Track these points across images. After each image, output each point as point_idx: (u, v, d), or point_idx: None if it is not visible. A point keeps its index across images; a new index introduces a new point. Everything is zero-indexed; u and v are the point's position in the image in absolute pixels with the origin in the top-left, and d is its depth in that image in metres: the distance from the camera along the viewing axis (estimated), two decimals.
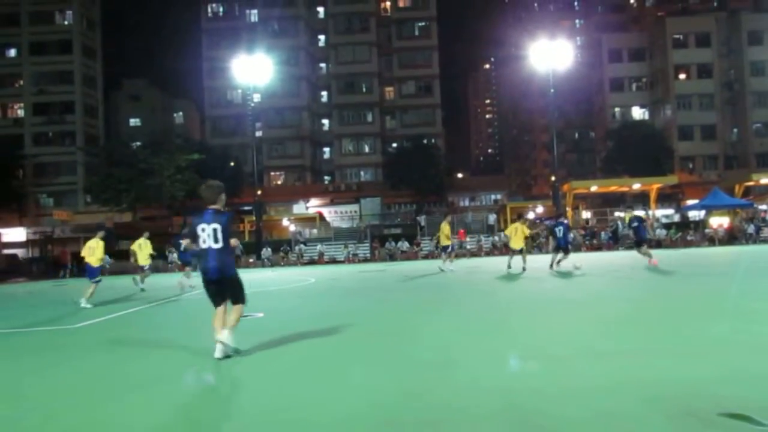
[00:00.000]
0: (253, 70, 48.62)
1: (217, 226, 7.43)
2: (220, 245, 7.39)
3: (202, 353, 7.72)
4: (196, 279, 23.52)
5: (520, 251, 22.25)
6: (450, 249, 26.10)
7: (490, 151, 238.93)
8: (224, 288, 7.56)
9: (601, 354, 6.62)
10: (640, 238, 22.05)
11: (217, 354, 7.33)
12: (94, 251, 16.50)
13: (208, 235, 7.42)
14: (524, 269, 21.27)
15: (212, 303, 7.65)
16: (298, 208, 69.85)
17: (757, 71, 72.38)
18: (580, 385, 5.37)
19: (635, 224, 21.94)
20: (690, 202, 59.40)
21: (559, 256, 21.62)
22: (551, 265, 21.37)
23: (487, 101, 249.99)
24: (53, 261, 50.98)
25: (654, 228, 46.54)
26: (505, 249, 47.00)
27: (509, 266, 21.79)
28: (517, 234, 22.21)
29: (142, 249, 22.04)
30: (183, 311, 14.55)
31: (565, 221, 22.13)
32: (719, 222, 48.66)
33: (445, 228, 25.44)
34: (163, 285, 23.85)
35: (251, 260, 47.07)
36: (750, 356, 6.17)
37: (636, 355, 6.49)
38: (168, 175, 52.72)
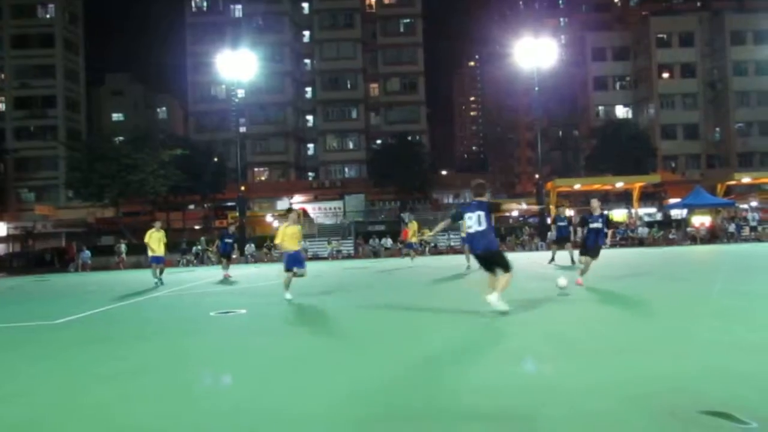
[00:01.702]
0: (237, 66, 48.42)
1: (482, 213, 9.47)
2: (484, 227, 9.43)
3: (182, 349, 7.68)
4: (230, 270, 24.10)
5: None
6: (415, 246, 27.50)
7: (474, 148, 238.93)
8: (491, 260, 9.57)
9: (583, 353, 6.63)
10: (561, 236, 22.80)
11: (497, 307, 9.33)
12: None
13: (474, 221, 9.47)
14: (468, 267, 21.35)
15: (484, 269, 9.81)
16: (282, 205, 69.67)
17: (739, 71, 72.88)
18: (562, 384, 5.38)
19: (562, 223, 22.43)
20: (672, 200, 59.74)
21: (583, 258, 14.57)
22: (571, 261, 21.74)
23: (472, 99, 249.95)
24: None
25: (636, 226, 46.84)
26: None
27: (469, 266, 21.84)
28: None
29: (152, 239, 21.18)
30: (162, 307, 14.45)
31: (605, 213, 14.63)
32: (701, 221, 48.95)
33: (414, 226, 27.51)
34: (165, 280, 23.62)
35: (234, 256, 46.86)
36: (731, 355, 6.21)
37: (619, 353, 6.52)
38: (151, 170, 52.32)
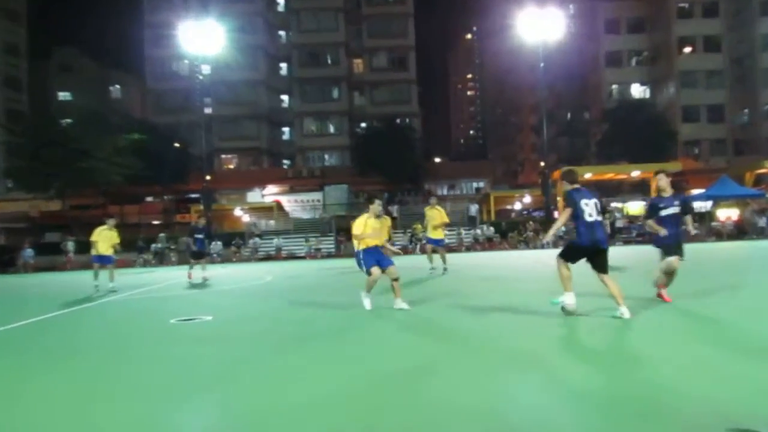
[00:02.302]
0: (202, 39, 48.19)
1: (597, 201, 9.62)
2: (600, 218, 9.52)
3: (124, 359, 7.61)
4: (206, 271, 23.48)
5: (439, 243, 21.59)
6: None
7: (471, 133, 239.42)
8: (604, 256, 9.53)
9: (596, 363, 6.61)
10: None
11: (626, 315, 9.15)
12: None
13: (592, 209, 9.46)
14: (445, 270, 20.94)
15: (569, 258, 9.75)
16: (253, 197, 69.56)
17: None
18: (572, 394, 5.36)
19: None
20: (695, 191, 59.92)
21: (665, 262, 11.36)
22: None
23: (469, 77, 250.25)
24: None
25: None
26: (488, 244, 47.28)
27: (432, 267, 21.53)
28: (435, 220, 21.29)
29: (101, 237, 20.76)
30: (115, 314, 14.35)
31: (682, 194, 12.40)
32: (727, 214, 49.17)
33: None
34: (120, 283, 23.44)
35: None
36: (758, 366, 6.21)
37: (635, 364, 6.51)
38: (104, 157, 52.03)
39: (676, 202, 11.09)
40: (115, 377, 7.05)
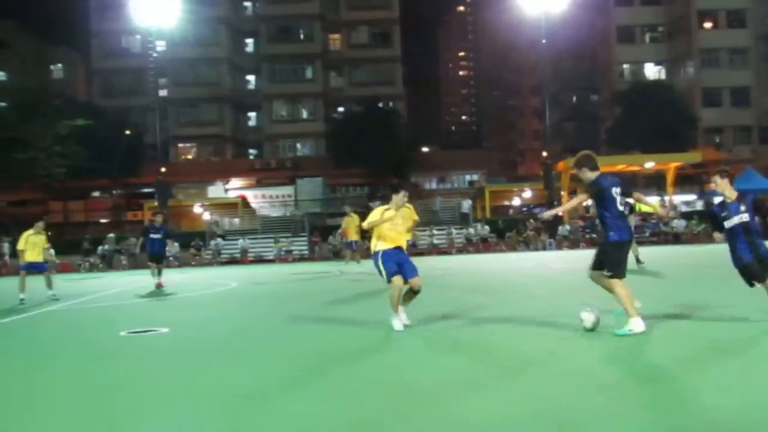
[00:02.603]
0: (155, 10, 48.06)
1: (620, 189, 9.32)
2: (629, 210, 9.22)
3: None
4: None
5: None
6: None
7: (464, 118, 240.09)
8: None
9: (605, 380, 6.69)
10: None
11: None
12: None
13: (622, 198, 9.28)
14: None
15: (622, 273, 9.23)
16: (215, 191, 69.42)
17: None
18: (573, 414, 5.44)
19: None
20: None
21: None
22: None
23: (462, 54, 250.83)
24: None
25: (671, 218, 47.16)
26: (482, 245, 47.35)
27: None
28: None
29: (28, 244, 20.51)
30: (56, 326, 14.33)
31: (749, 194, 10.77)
32: None
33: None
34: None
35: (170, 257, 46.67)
36: None
37: (647, 382, 6.60)
38: (44, 146, 51.88)
39: (743, 208, 9.56)
40: (45, 402, 6.99)
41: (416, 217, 19.18)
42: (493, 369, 7.42)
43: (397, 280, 10.13)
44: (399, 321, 10.22)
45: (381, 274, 10.36)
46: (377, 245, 10.63)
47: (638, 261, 21.11)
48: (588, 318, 9.23)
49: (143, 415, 6.22)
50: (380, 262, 10.35)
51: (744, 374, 6.69)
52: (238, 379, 7.51)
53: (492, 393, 6.35)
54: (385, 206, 10.80)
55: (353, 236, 28.05)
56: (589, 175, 9.37)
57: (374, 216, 10.65)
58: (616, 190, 9.14)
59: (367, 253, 16.88)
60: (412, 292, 10.52)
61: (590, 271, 9.53)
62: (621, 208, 9.12)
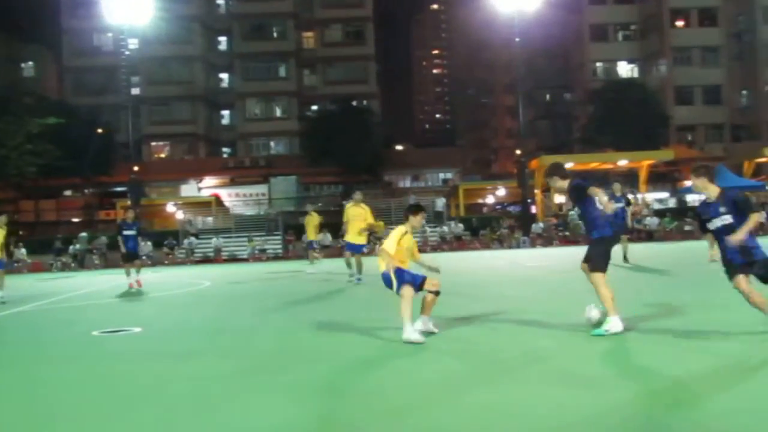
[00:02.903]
0: (128, 8, 47.81)
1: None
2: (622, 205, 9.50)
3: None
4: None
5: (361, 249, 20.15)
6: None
7: (438, 116, 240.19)
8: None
9: (583, 380, 6.71)
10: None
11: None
12: None
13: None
14: (358, 279, 19.50)
15: (604, 267, 9.35)
16: (188, 190, 69.16)
17: None
18: (553, 416, 5.45)
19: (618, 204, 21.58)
20: (688, 183, 60.52)
21: None
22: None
23: (436, 52, 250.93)
24: None
25: (644, 215, 47.40)
26: (457, 243, 47.41)
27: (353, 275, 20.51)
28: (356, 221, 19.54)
29: None
30: (26, 326, 14.22)
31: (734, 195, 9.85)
32: None
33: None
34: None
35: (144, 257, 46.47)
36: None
37: (619, 379, 6.62)
38: (15, 145, 51.48)
39: (723, 209, 8.85)
40: (17, 402, 6.94)
41: (370, 219, 18.80)
42: (472, 369, 7.42)
43: (408, 290, 9.34)
44: (414, 332, 9.14)
45: (391, 286, 9.56)
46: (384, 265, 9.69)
47: (625, 258, 21.07)
48: (593, 315, 9.23)
49: (106, 416, 6.17)
50: (393, 274, 9.53)
51: (728, 371, 6.74)
52: (210, 378, 7.47)
53: (471, 394, 6.35)
54: (404, 228, 10.13)
55: (312, 236, 27.99)
56: (561, 184, 9.67)
57: (393, 245, 9.78)
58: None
59: (335, 252, 16.83)
60: (434, 294, 9.77)
61: (582, 264, 9.62)
62: (599, 206, 9.25)
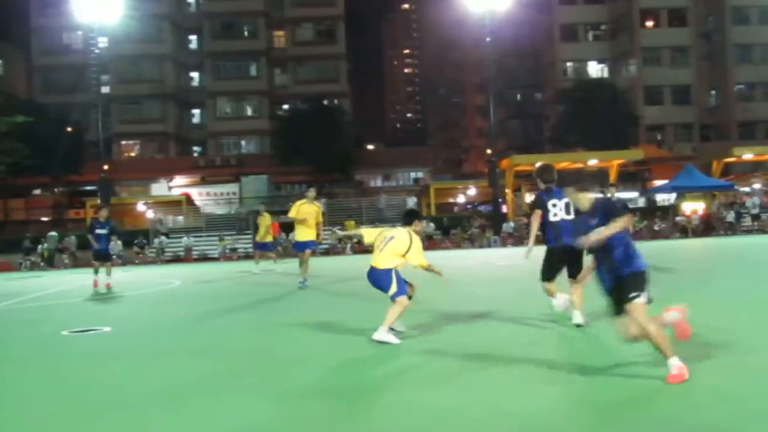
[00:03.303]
0: (98, 6, 47.49)
1: (568, 200, 9.59)
2: (572, 217, 10.01)
3: None
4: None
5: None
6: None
7: (409, 116, 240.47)
8: (573, 257, 9.83)
9: (549, 379, 6.75)
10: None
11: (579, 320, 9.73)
12: None
13: (559, 209, 10.19)
14: (302, 282, 18.55)
15: (547, 275, 10.43)
16: (159, 189, 68.84)
17: (741, 19, 74.82)
18: (523, 412, 5.48)
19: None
20: (658, 182, 60.94)
21: None
22: None
23: (407, 52, 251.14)
24: None
25: None
26: (428, 242, 47.41)
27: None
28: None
29: None
30: None
31: None
32: (693, 207, 49.98)
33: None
34: None
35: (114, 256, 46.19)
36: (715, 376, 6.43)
37: (595, 375, 6.67)
38: None
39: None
40: None
41: (320, 219, 18.48)
42: (443, 368, 7.45)
43: (405, 300, 9.39)
44: (389, 333, 9.18)
45: (386, 289, 9.41)
46: (389, 262, 9.56)
47: None
48: (560, 303, 10.32)
49: (75, 416, 6.15)
50: (394, 277, 9.43)
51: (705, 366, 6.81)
52: (180, 378, 7.46)
53: (444, 394, 6.38)
54: (413, 234, 9.78)
55: (264, 237, 27.51)
56: (540, 187, 10.63)
57: (421, 253, 9.74)
58: (554, 203, 10.24)
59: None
60: (408, 298, 9.65)
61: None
62: (553, 219, 10.25)
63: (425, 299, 12.35)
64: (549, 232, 10.40)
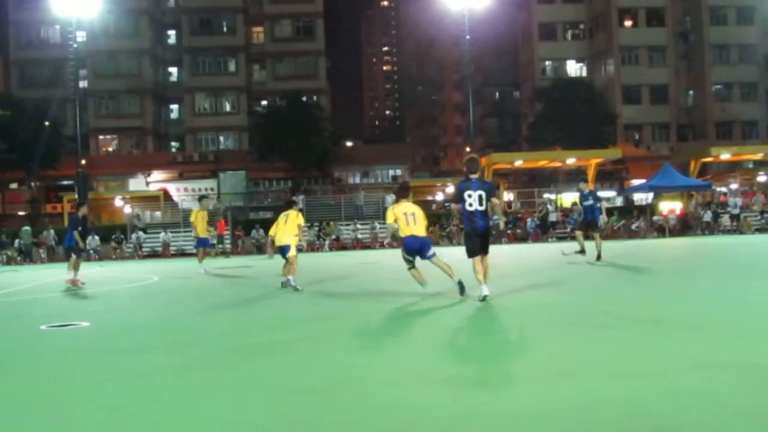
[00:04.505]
0: (76, 0, 47.25)
1: (483, 193, 11.78)
2: (483, 208, 11.74)
3: None
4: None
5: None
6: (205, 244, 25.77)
7: (388, 113, 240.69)
8: (486, 240, 12.14)
9: (523, 376, 6.77)
10: (587, 219, 22.18)
11: (485, 292, 11.73)
12: None
13: (474, 200, 11.70)
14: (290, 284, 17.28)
15: (470, 254, 12.10)
16: (136, 184, 68.56)
17: (718, 19, 75.34)
18: (500, 412, 5.49)
19: (587, 202, 21.70)
20: (635, 182, 61.23)
21: None
22: None
23: (385, 49, 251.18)
24: None
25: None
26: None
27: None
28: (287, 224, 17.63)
29: None
30: None
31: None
32: (670, 207, 50.23)
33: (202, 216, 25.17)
34: None
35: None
36: (691, 374, 6.47)
37: (566, 376, 6.68)
38: None
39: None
40: None
41: (301, 222, 17.90)
42: (425, 366, 7.48)
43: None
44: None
45: (427, 251, 13.15)
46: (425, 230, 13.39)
47: (598, 257, 20.77)
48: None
49: (52, 411, 6.09)
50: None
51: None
52: (159, 374, 7.43)
53: (424, 391, 6.39)
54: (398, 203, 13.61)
55: (204, 233, 25.30)
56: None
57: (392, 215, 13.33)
58: (469, 193, 11.83)
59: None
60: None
61: None
62: (469, 208, 11.83)
63: (401, 298, 12.36)
64: (466, 219, 12.10)
